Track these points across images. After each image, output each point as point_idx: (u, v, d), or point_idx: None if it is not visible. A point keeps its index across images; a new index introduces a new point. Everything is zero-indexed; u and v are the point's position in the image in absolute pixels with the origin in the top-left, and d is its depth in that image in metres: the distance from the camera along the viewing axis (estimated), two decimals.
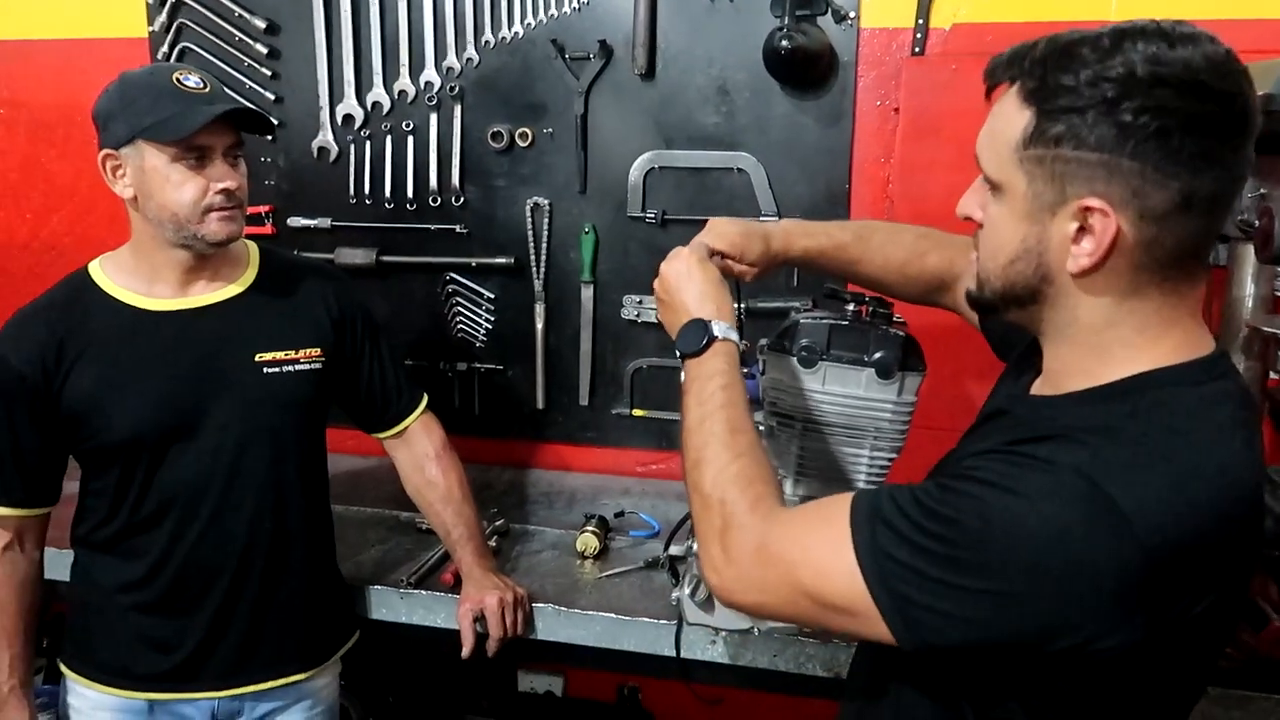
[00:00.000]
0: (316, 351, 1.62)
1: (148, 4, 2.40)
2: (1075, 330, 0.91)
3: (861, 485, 1.45)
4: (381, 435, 1.80)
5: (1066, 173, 0.83)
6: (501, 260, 2.33)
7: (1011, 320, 0.96)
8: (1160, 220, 0.82)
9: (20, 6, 2.55)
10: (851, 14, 2.08)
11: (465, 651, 1.71)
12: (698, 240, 1.36)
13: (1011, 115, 0.87)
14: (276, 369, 1.58)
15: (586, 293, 2.34)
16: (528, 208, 2.32)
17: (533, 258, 2.34)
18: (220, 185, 1.47)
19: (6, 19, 2.56)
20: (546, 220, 2.32)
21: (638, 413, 2.37)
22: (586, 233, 2.30)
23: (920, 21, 2.07)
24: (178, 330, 1.54)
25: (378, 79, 2.32)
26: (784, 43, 1.98)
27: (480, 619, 1.72)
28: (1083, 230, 0.84)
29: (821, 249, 1.42)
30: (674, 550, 1.49)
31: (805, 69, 2.08)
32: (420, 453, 1.80)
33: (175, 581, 1.57)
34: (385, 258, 2.37)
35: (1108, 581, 0.79)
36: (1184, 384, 0.87)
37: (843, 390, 1.42)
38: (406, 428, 1.79)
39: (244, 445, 1.56)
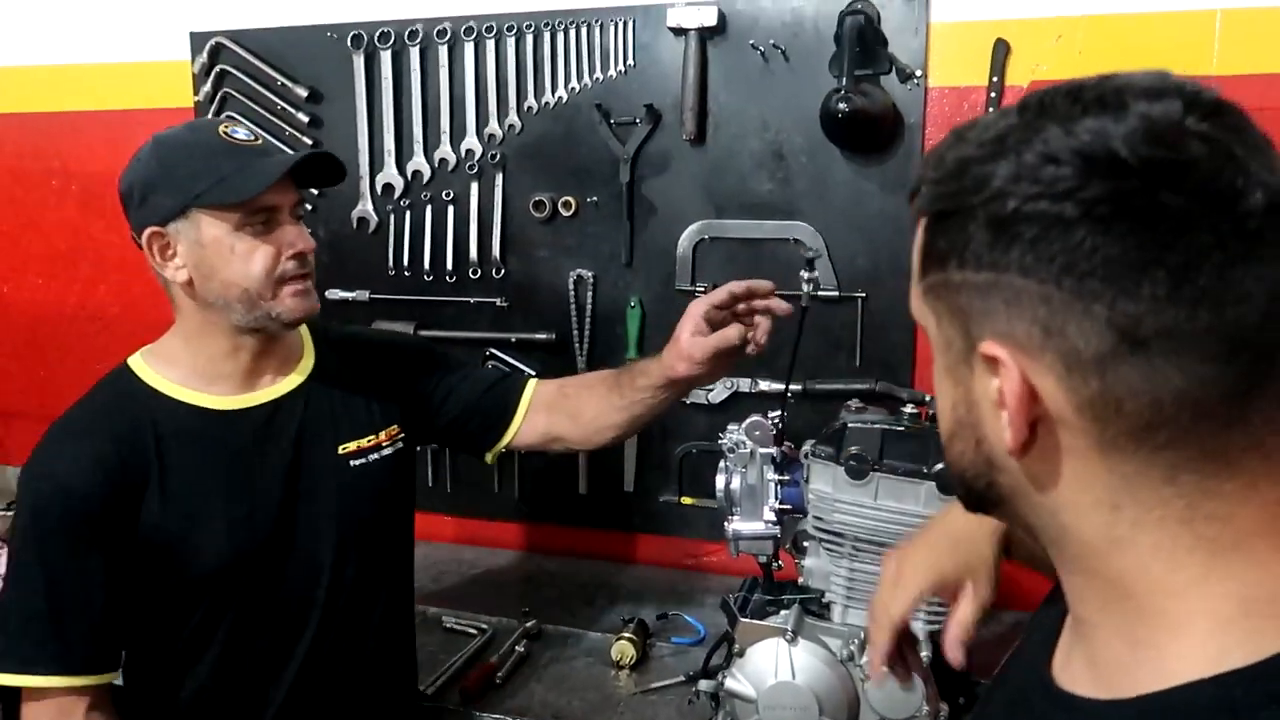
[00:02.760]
0: (395, 429, 1.46)
1: (194, 75, 2.37)
2: (1077, 551, 0.58)
3: (922, 617, 1.25)
4: (514, 424, 1.54)
5: (964, 305, 0.56)
6: (543, 335, 2.20)
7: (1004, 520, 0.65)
8: (1098, 368, 0.51)
9: (70, 79, 2.55)
10: (918, 72, 1.91)
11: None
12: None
13: (917, 235, 0.61)
14: (362, 459, 1.42)
15: None
16: (571, 280, 2.18)
17: (575, 333, 2.20)
18: (294, 250, 1.28)
19: (57, 91, 2.56)
20: (590, 293, 2.18)
21: (686, 500, 2.20)
22: (633, 307, 2.16)
23: (995, 79, 1.88)
24: (254, 431, 1.35)
25: (418, 147, 2.22)
26: (842, 105, 1.81)
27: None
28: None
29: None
30: (704, 686, 1.31)
31: (866, 132, 1.91)
32: (550, 402, 1.55)
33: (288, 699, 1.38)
34: (424, 331, 2.26)
35: None
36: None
37: (898, 506, 1.23)
38: (529, 394, 1.55)
39: (341, 550, 1.39)
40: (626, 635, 1.82)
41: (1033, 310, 0.52)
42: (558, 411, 1.52)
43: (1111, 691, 0.55)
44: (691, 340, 1.36)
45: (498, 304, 2.23)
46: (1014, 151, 0.53)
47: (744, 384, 2.08)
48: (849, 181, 1.99)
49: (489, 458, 1.58)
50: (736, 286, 1.37)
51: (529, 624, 1.94)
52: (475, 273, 2.23)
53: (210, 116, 1.23)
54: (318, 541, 1.36)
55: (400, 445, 1.46)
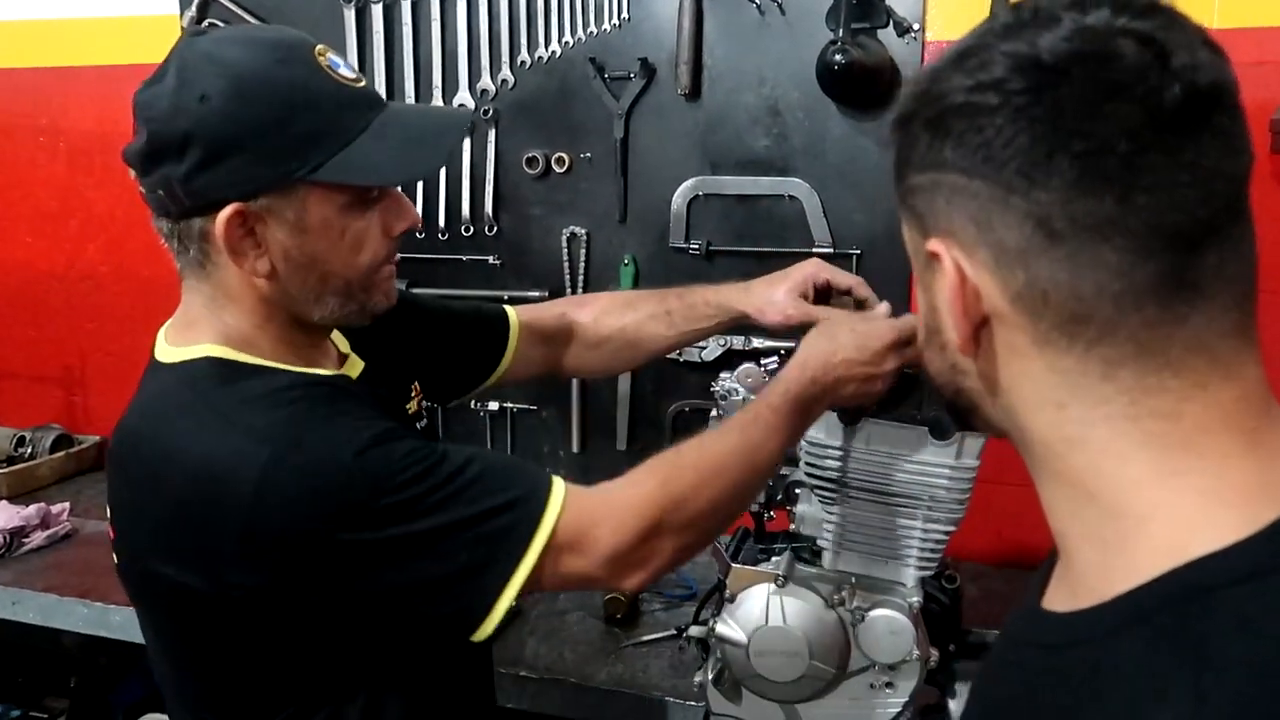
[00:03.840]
0: (417, 388, 1.27)
1: (182, 28, 2.34)
2: (1040, 453, 0.58)
3: (913, 562, 1.25)
4: (508, 353, 1.38)
5: (919, 209, 0.59)
6: (536, 293, 2.17)
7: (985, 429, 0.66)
8: (1022, 260, 0.53)
9: (59, 33, 2.51)
10: (915, 25, 1.89)
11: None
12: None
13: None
14: (421, 421, 1.26)
15: None
16: (564, 238, 2.17)
17: (569, 290, 2.18)
18: (403, 227, 1.03)
19: (46, 46, 2.53)
20: (584, 251, 2.16)
21: None
22: (626, 264, 2.14)
23: None
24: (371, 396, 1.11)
25: (410, 102, 2.20)
26: (838, 58, 1.79)
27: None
28: None
29: None
30: (694, 631, 1.31)
31: (863, 86, 1.89)
32: (553, 326, 1.41)
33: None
34: (416, 290, 2.23)
35: None
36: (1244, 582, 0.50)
37: (890, 452, 1.23)
38: (515, 326, 1.39)
39: None
40: (617, 590, 1.82)
41: (965, 205, 0.54)
42: (562, 342, 1.43)
43: (1090, 600, 0.55)
44: (795, 299, 1.31)
45: (490, 262, 2.21)
46: (957, 63, 0.55)
47: (737, 341, 2.07)
48: (845, 137, 1.97)
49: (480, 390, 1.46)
50: (860, 287, 1.32)
51: None
52: (468, 230, 2.21)
53: (289, 31, 1.00)
54: None
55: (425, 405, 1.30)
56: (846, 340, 1.15)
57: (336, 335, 1.14)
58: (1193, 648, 0.48)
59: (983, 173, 0.53)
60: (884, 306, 1.27)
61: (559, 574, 0.99)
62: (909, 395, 1.21)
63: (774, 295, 1.32)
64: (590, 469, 2.27)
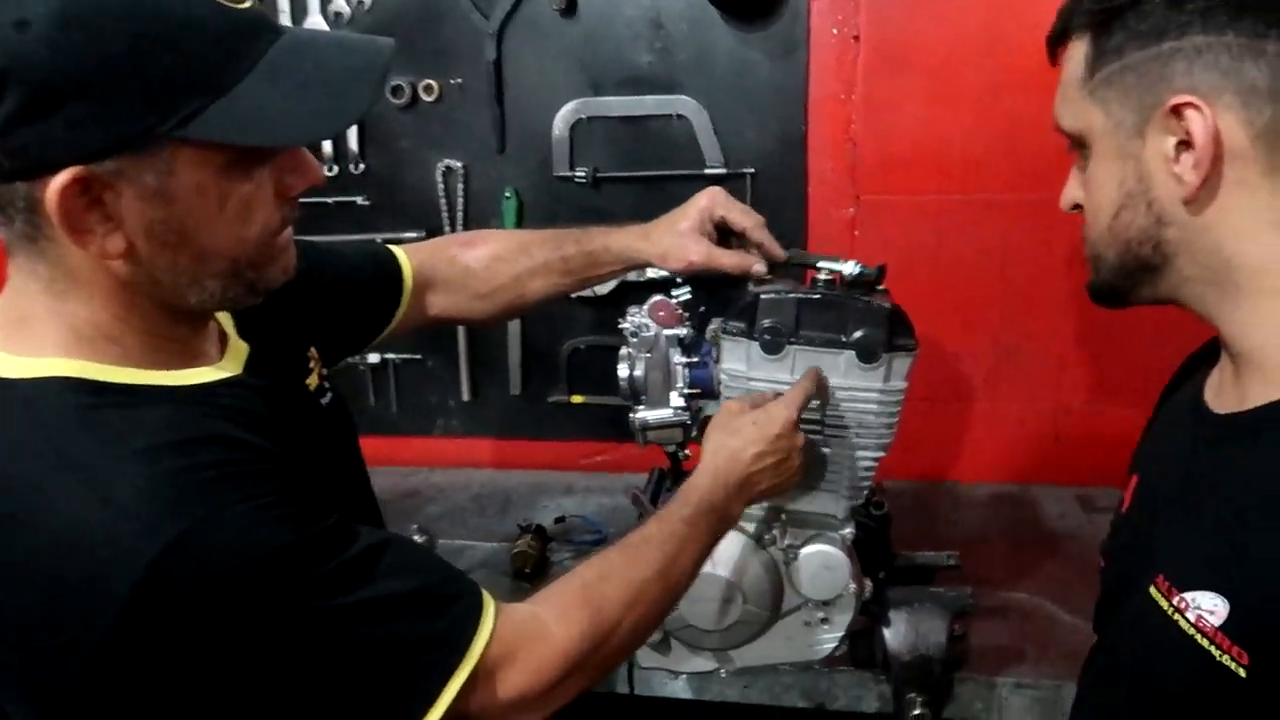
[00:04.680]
0: (314, 350, 1.08)
1: None
2: (1244, 279, 0.72)
3: (844, 492, 1.19)
4: (403, 305, 1.25)
5: (1139, 81, 0.72)
6: (412, 235, 2.01)
7: (1155, 300, 0.79)
8: (1271, 96, 0.67)
9: None
10: None
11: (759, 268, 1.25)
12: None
13: (1074, 55, 0.78)
14: (326, 396, 1.07)
15: None
16: (439, 172, 2.01)
17: (448, 229, 2.03)
18: (302, 185, 0.84)
19: None
20: (461, 185, 2.01)
21: (576, 399, 2.09)
22: (508, 198, 2.00)
23: None
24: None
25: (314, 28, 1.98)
26: None
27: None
28: (1182, 145, 0.70)
29: None
30: None
31: None
32: (445, 272, 1.28)
33: None
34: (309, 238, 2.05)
35: None
36: None
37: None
38: (408, 272, 1.26)
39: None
40: (524, 542, 1.73)
41: (1214, 58, 0.68)
42: (453, 290, 1.29)
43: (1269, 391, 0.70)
44: (697, 239, 1.22)
45: (359, 202, 2.03)
46: None
47: (631, 274, 1.97)
48: (733, 51, 1.87)
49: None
50: (756, 230, 1.25)
51: (419, 540, 1.82)
52: (331, 169, 2.02)
53: None
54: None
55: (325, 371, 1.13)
56: (750, 434, 1.09)
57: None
58: None
59: (1236, 26, 0.67)
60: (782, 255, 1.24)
61: (462, 712, 0.85)
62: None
63: (676, 239, 1.24)
64: (483, 417, 2.16)
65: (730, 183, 1.91)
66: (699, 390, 1.23)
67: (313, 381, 1.05)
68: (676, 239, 1.23)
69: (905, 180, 1.87)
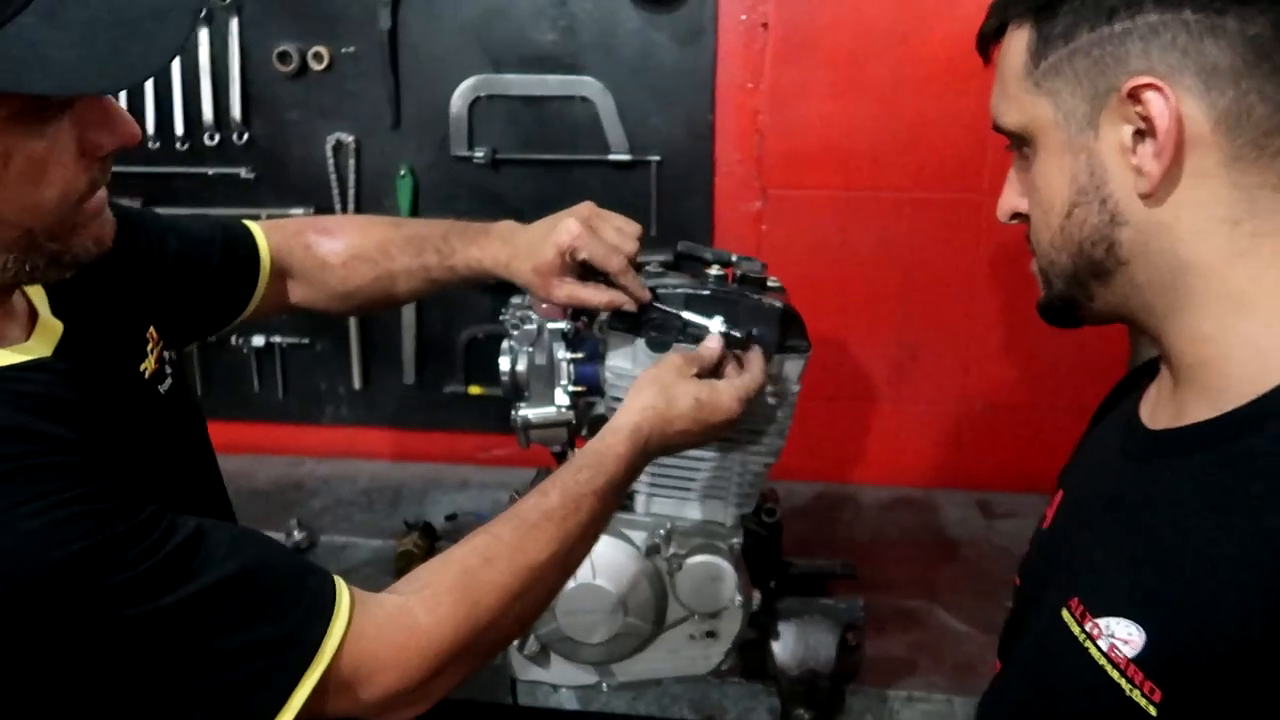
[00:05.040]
0: (154, 332, 0.98)
1: None
2: (1196, 280, 0.65)
3: (733, 499, 1.14)
4: (259, 288, 1.13)
5: (1091, 66, 0.65)
6: (299, 210, 1.91)
7: (1105, 314, 0.72)
8: (1233, 77, 0.62)
9: None
10: None
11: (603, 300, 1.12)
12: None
13: (1013, 47, 0.71)
14: (165, 383, 0.97)
15: None
16: (329, 146, 1.89)
17: (338, 207, 1.92)
18: (111, 143, 0.73)
19: None
20: (353, 161, 1.90)
21: (474, 390, 2.01)
22: (403, 176, 1.90)
23: None
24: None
25: None
26: None
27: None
28: (1140, 134, 0.64)
29: None
30: None
31: None
32: (300, 262, 1.16)
33: None
34: (153, 210, 1.91)
35: None
36: None
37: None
38: (265, 254, 1.14)
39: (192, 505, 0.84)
40: (409, 541, 1.65)
41: (1171, 37, 0.62)
42: (309, 283, 1.18)
43: (1240, 399, 0.63)
44: (561, 283, 1.10)
45: (242, 175, 1.91)
46: None
47: None
48: (638, 31, 1.80)
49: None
50: (624, 275, 1.10)
51: (298, 536, 1.73)
52: (212, 138, 1.90)
53: None
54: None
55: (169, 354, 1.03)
56: (687, 409, 0.99)
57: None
58: None
59: (1192, 3, 0.61)
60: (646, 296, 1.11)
61: (318, 714, 0.77)
62: None
63: (538, 279, 1.11)
64: (375, 407, 2.06)
65: (636, 171, 1.85)
66: (585, 388, 1.16)
67: (149, 365, 0.95)
68: (538, 279, 1.11)
69: (812, 174, 1.82)
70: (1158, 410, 0.72)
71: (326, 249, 1.17)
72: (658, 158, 1.83)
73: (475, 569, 0.85)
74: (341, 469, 2.06)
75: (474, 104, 1.86)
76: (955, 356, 1.88)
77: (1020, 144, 0.71)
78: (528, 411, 1.18)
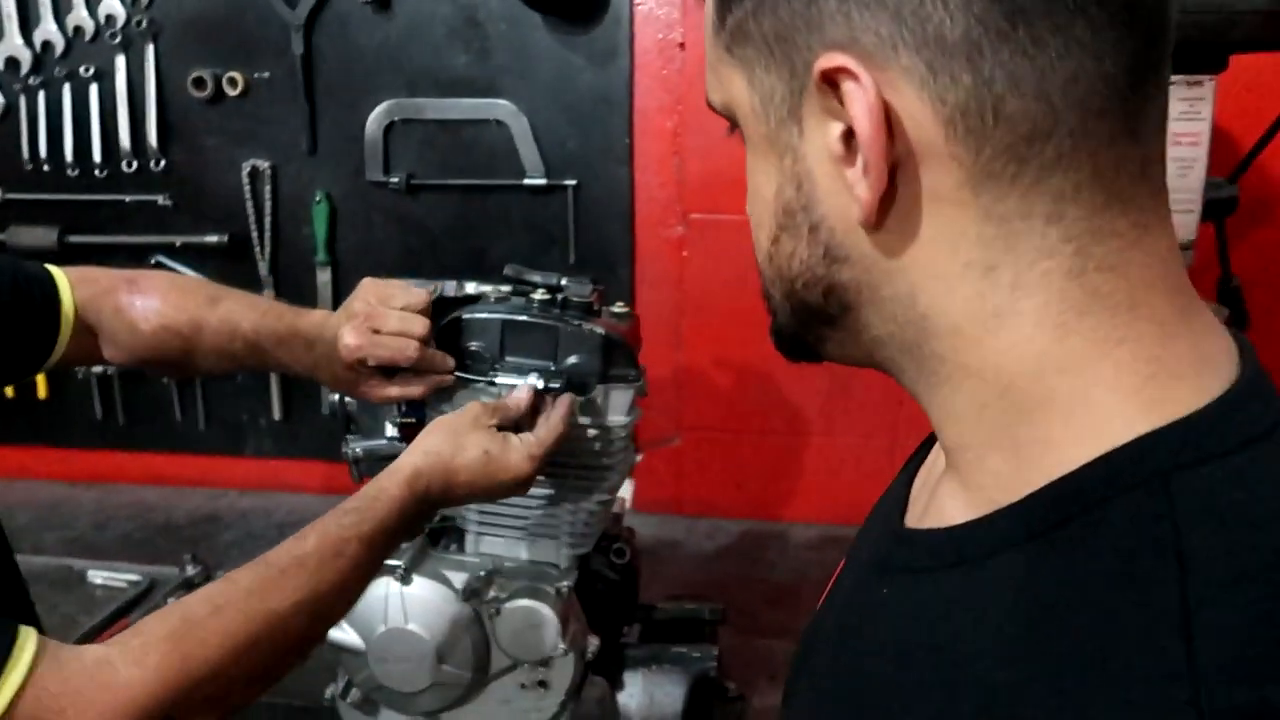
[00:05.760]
0: None
1: None
2: (943, 346, 0.45)
3: (565, 539, 1.06)
4: (61, 343, 1.01)
5: (778, 29, 0.43)
6: (215, 238, 1.88)
7: (851, 361, 0.51)
8: (970, 55, 0.39)
9: None
10: None
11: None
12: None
13: (707, 8, 0.49)
14: None
15: (323, 275, 1.90)
16: (245, 172, 1.87)
17: (255, 234, 1.89)
18: None
19: None
20: (269, 188, 1.87)
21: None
22: (319, 202, 1.86)
23: None
24: None
25: (46, 11, 1.83)
26: None
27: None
28: (851, 135, 0.42)
29: None
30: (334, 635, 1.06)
31: None
32: (108, 319, 1.05)
33: None
34: (71, 237, 1.89)
35: None
36: (1215, 455, 0.40)
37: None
38: (69, 306, 1.02)
39: None
40: None
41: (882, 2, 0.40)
42: (115, 344, 1.07)
43: (990, 507, 0.44)
44: (368, 385, 1.05)
45: (159, 202, 1.89)
46: None
47: (449, 286, 1.83)
48: (553, 53, 1.75)
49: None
50: (421, 359, 1.05)
51: (191, 571, 1.67)
52: (130, 165, 1.88)
53: None
54: None
55: None
56: (475, 462, 0.92)
57: None
58: (1161, 545, 0.38)
59: None
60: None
61: None
62: None
63: (339, 377, 1.05)
64: (296, 438, 2.01)
65: (553, 195, 1.79)
66: (414, 420, 1.10)
67: None
68: (346, 387, 1.07)
69: (735, 198, 1.71)
70: (920, 497, 0.54)
71: (138, 313, 1.09)
72: (575, 182, 1.78)
73: (200, 618, 0.78)
74: (262, 502, 2.01)
75: (389, 128, 1.82)
76: (888, 387, 1.78)
77: (731, 123, 0.50)
78: (357, 444, 1.12)
